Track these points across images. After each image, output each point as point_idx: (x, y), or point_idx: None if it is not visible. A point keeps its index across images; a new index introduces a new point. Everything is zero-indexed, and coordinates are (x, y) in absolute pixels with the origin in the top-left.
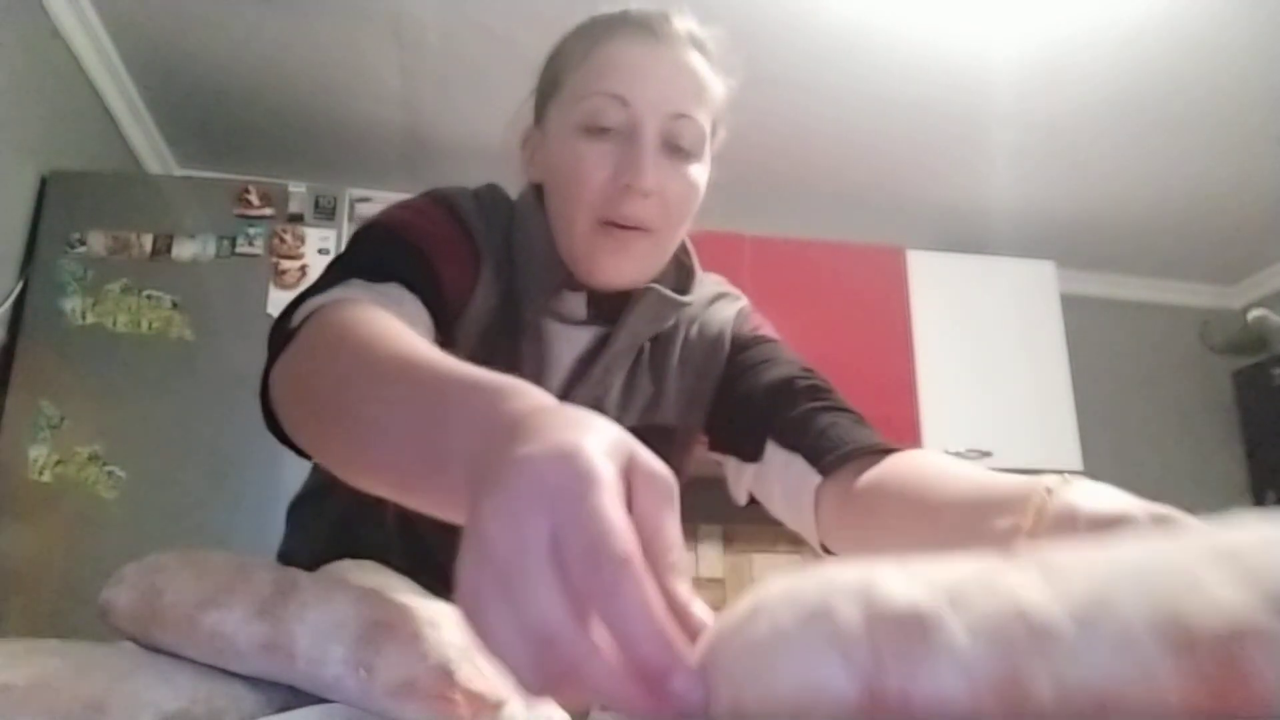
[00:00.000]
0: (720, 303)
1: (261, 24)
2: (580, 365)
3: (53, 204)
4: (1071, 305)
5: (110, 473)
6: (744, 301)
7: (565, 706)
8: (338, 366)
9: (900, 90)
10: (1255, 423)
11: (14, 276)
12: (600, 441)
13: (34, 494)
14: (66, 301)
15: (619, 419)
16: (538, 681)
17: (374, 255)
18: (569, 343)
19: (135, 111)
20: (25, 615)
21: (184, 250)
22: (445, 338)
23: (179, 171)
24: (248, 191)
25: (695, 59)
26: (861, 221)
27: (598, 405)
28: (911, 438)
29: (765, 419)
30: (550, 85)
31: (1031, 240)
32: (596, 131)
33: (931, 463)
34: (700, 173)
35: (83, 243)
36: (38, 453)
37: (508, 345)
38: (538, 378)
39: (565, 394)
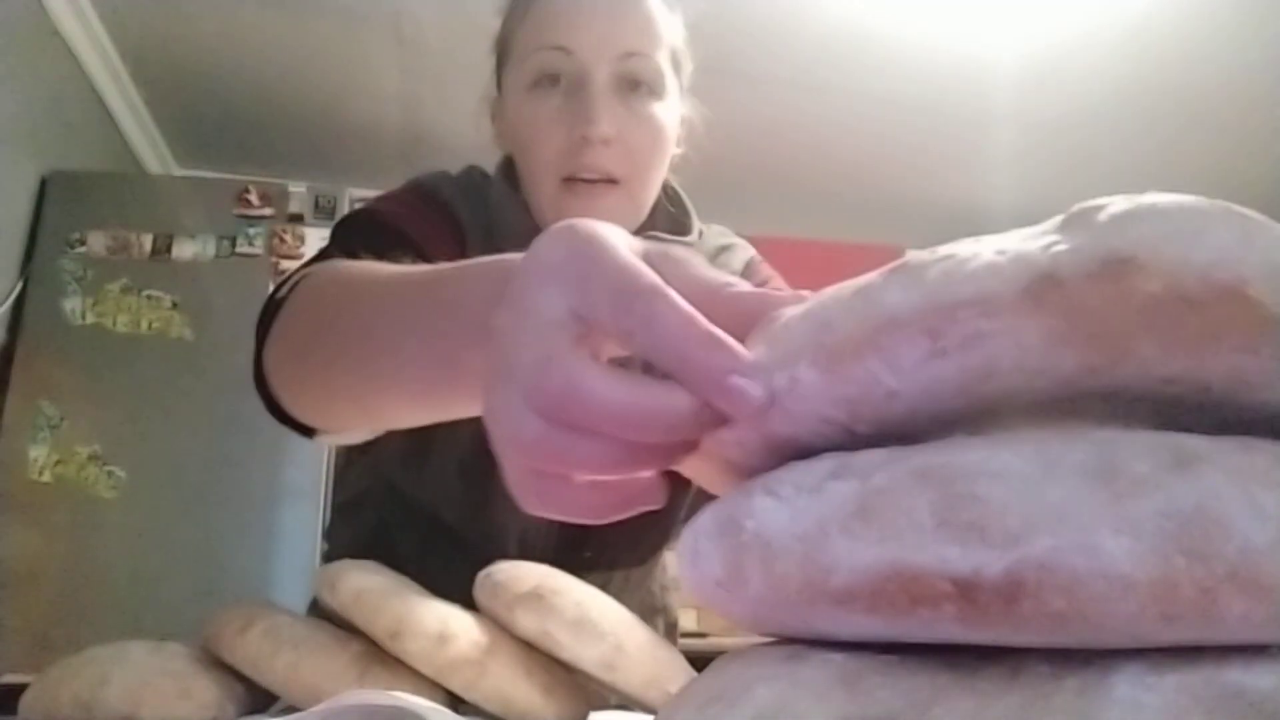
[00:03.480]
0: (725, 255)
1: (261, 24)
2: None
3: (53, 204)
4: None
5: (110, 473)
6: (751, 252)
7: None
8: (335, 308)
9: (900, 90)
10: None
11: (14, 276)
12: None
13: (34, 494)
14: (66, 301)
15: None
16: (529, 460)
17: (356, 240)
18: None
19: (135, 111)
20: (25, 615)
21: (184, 250)
22: None
23: (179, 171)
24: (248, 191)
25: None
26: (861, 221)
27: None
28: None
29: None
30: (502, 50)
31: None
32: (545, 87)
33: None
34: (666, 111)
35: (83, 243)
36: (38, 453)
37: None
38: None
39: None
